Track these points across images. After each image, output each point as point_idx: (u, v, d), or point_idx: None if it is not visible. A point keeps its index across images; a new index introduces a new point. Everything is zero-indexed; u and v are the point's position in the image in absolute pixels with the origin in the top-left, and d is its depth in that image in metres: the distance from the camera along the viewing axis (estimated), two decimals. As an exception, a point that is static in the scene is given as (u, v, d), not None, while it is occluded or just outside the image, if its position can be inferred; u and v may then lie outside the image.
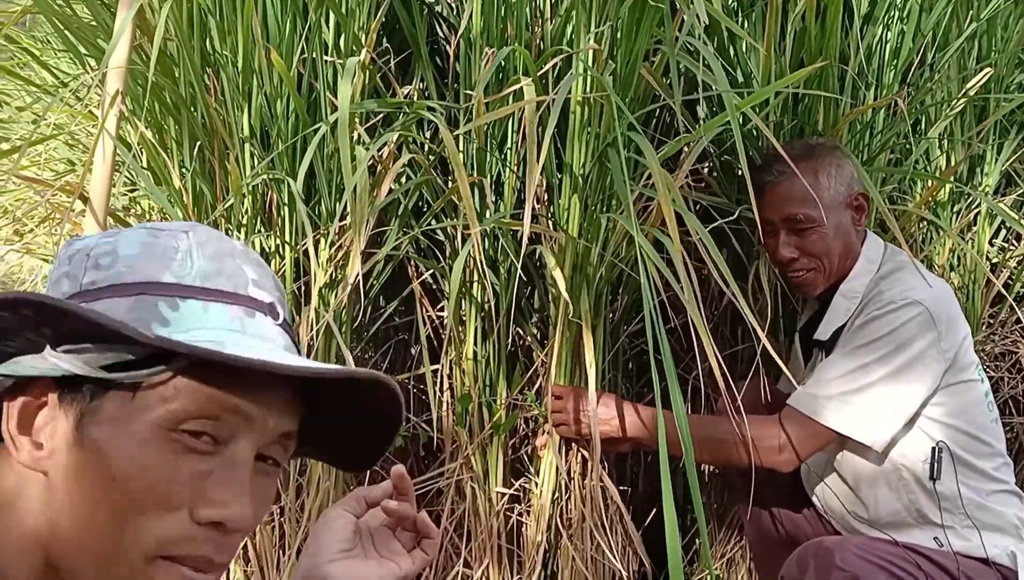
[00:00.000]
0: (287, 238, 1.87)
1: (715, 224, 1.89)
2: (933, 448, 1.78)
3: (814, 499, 1.99)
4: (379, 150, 1.81)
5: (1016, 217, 2.35)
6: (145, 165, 1.90)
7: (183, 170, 1.83)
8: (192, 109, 1.81)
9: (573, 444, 1.94)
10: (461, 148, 1.91)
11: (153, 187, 1.80)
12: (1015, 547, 1.78)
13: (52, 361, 0.70)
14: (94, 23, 1.90)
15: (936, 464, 1.76)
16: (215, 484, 0.71)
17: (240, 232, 1.88)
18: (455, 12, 2.11)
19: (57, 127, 1.98)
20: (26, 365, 0.71)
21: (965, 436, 1.80)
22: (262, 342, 0.75)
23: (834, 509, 1.93)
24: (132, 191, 2.05)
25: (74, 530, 0.70)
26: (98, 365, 0.70)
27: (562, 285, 1.74)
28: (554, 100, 1.60)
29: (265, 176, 1.80)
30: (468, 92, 1.89)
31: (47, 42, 2.30)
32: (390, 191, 1.76)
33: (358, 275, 1.57)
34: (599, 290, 1.91)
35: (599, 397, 1.83)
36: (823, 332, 1.91)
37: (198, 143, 1.82)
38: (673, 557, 1.28)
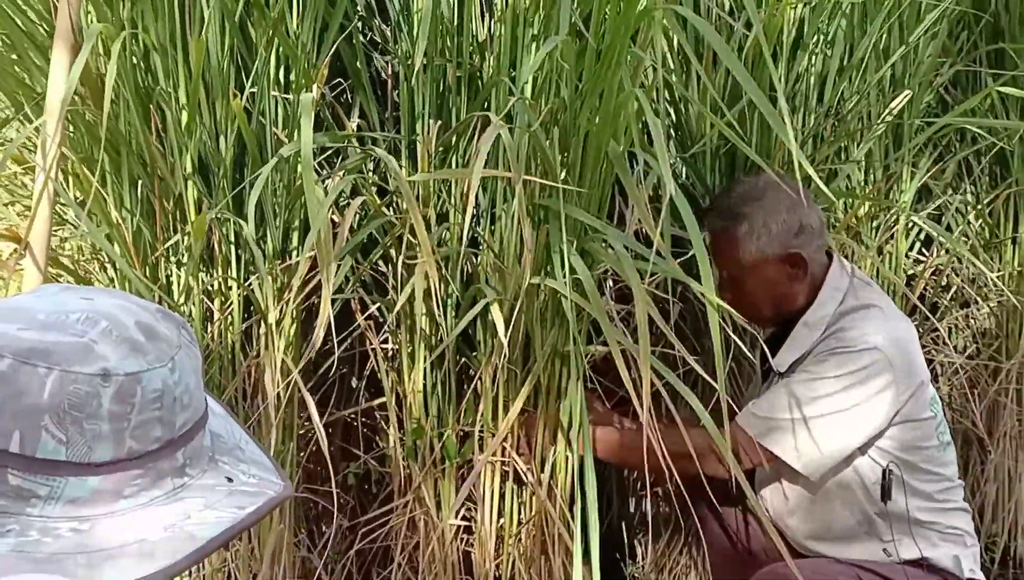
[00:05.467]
0: (233, 274, 1.82)
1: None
2: (884, 470, 1.83)
3: (767, 510, 2.00)
4: (327, 185, 1.79)
5: (937, 229, 2.49)
6: (76, 198, 1.83)
7: (124, 210, 1.77)
8: (131, 147, 1.75)
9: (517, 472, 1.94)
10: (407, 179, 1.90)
11: (94, 229, 1.73)
12: (958, 552, 1.86)
13: None
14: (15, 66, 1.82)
15: (887, 486, 1.82)
16: None
17: (180, 270, 1.83)
18: (393, 40, 2.08)
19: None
20: None
21: (913, 469, 1.86)
22: None
23: (787, 524, 1.95)
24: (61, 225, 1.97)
25: None
26: None
27: (500, 328, 1.73)
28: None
29: (212, 215, 1.76)
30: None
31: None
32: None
33: (329, 317, 1.54)
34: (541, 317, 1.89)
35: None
36: (781, 362, 1.91)
37: (140, 182, 1.76)
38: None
